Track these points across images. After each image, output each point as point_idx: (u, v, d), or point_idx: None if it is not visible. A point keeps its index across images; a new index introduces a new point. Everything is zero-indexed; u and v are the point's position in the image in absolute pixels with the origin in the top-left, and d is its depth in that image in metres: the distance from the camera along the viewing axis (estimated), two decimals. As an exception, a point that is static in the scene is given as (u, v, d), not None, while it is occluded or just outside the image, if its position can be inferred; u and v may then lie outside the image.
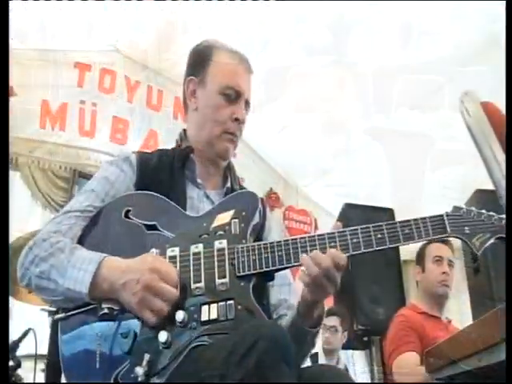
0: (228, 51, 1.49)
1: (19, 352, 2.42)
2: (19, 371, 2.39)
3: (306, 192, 5.67)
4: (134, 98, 4.59)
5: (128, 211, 1.29)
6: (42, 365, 2.54)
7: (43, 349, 2.52)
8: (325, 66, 4.09)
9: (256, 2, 3.67)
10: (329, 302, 4.61)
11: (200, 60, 1.48)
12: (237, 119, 1.42)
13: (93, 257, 1.17)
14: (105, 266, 1.15)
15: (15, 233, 2.60)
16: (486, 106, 0.97)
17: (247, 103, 1.48)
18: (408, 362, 2.58)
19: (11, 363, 2.32)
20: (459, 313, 3.61)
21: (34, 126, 4.07)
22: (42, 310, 2.58)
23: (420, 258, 3.00)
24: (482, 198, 2.77)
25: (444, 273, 2.85)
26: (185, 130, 1.54)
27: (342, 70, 4.09)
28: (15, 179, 3.99)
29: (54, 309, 2.64)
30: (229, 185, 1.50)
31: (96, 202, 1.32)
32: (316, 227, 5.56)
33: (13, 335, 2.42)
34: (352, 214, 3.45)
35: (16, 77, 3.59)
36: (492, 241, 1.18)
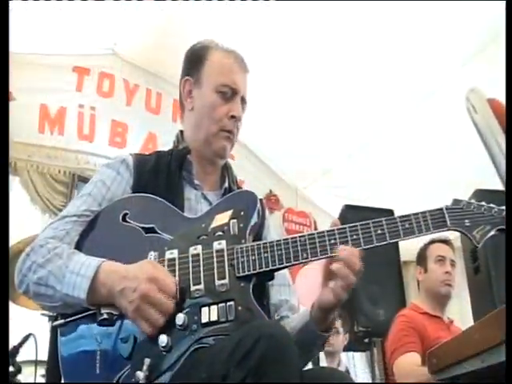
0: (223, 50, 1.50)
1: (19, 357, 2.42)
2: (19, 377, 2.39)
3: (306, 194, 5.66)
4: (133, 102, 4.58)
5: (125, 214, 1.29)
6: (42, 370, 2.54)
7: (44, 354, 2.52)
8: (325, 67, 4.08)
9: (256, 2, 3.66)
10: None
11: (195, 60, 1.49)
12: (233, 116, 1.43)
13: (91, 262, 1.16)
14: (103, 271, 1.15)
15: (14, 237, 2.60)
16: (492, 103, 0.97)
17: (244, 100, 1.48)
18: (409, 363, 2.58)
19: (12, 369, 2.31)
20: (460, 313, 3.60)
21: (33, 130, 4.05)
22: (43, 314, 2.57)
23: (422, 258, 3.01)
24: (481, 197, 2.75)
25: (447, 272, 2.87)
26: (181, 132, 1.55)
27: (342, 70, 4.08)
28: (14, 184, 3.98)
29: (54, 314, 2.63)
30: (226, 185, 1.50)
31: (93, 205, 1.32)
32: (316, 229, 5.54)
33: (13, 340, 2.42)
34: (352, 215, 3.44)
35: (14, 81, 3.58)
36: (492, 233, 1.17)
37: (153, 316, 1.10)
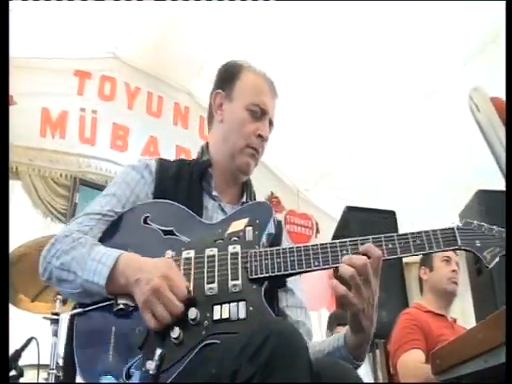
0: (257, 72, 1.57)
1: (21, 361, 2.41)
2: (21, 380, 2.38)
3: (307, 196, 5.66)
4: (134, 105, 4.59)
5: (147, 217, 1.35)
6: (44, 374, 2.54)
7: (46, 358, 2.52)
8: (325, 70, 4.08)
9: (256, 2, 3.67)
10: (331, 306, 4.59)
11: (229, 75, 1.56)
12: (260, 136, 1.48)
13: (112, 252, 1.22)
14: (122, 262, 1.20)
15: (16, 241, 2.60)
16: (494, 101, 0.98)
17: (271, 123, 1.53)
18: (413, 360, 2.58)
19: (14, 372, 2.31)
20: (462, 314, 3.59)
21: (34, 134, 4.06)
22: (44, 318, 2.57)
23: (427, 258, 3.03)
24: (483, 198, 2.77)
25: (454, 271, 2.90)
26: (207, 144, 1.59)
27: (342, 72, 4.08)
28: (16, 188, 3.98)
29: (56, 317, 2.63)
30: (244, 199, 1.55)
31: (117, 207, 1.38)
32: (317, 231, 5.55)
33: (15, 344, 2.41)
34: (353, 216, 3.43)
35: (15, 85, 3.59)
36: (501, 255, 1.20)
37: (160, 312, 1.13)
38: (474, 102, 1.01)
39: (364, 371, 4.87)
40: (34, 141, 4.06)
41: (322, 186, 5.42)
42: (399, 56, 3.84)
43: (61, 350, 2.57)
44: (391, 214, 3.47)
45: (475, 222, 1.24)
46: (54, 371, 2.47)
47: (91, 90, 4.37)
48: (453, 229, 1.22)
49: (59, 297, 2.55)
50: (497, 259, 1.20)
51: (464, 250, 1.21)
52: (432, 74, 3.88)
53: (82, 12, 3.80)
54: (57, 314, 2.56)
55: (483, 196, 2.77)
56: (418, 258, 3.42)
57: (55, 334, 2.54)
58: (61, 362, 2.56)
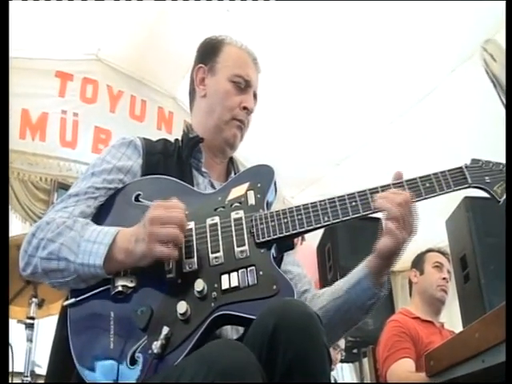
0: (239, 45, 1.53)
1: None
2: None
3: (293, 203, 5.62)
4: (117, 108, 4.52)
5: (138, 195, 1.28)
6: (17, 379, 2.46)
7: (20, 365, 2.44)
8: (313, 77, 4.07)
9: (241, 4, 3.64)
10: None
11: (210, 50, 1.52)
12: (245, 108, 1.44)
13: (108, 230, 1.16)
14: (120, 238, 1.14)
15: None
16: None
17: (255, 96, 1.50)
18: (403, 370, 2.53)
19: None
20: (450, 321, 3.56)
21: (14, 136, 3.95)
22: (19, 322, 2.48)
23: (418, 261, 3.01)
24: (470, 204, 2.77)
25: (444, 278, 2.87)
26: (190, 124, 1.54)
27: (329, 81, 4.06)
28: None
29: (31, 321, 2.54)
30: (233, 175, 1.50)
31: (97, 182, 1.30)
32: (303, 238, 5.50)
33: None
34: (338, 223, 3.39)
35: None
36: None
37: (164, 232, 1.08)
38: (489, 52, 0.98)
39: (350, 378, 4.83)
40: (14, 143, 3.94)
41: (308, 193, 5.38)
42: (387, 63, 3.84)
43: (36, 357, 2.49)
44: (376, 221, 3.43)
45: (482, 159, 1.22)
46: (29, 378, 2.39)
47: (73, 92, 4.29)
48: (461, 168, 1.20)
49: (34, 300, 2.47)
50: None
51: (474, 187, 1.20)
52: (420, 80, 3.88)
53: (65, 12, 3.74)
54: (32, 319, 2.47)
55: (470, 203, 2.77)
56: (403, 266, 3.39)
57: (30, 339, 2.44)
58: (36, 370, 2.49)
